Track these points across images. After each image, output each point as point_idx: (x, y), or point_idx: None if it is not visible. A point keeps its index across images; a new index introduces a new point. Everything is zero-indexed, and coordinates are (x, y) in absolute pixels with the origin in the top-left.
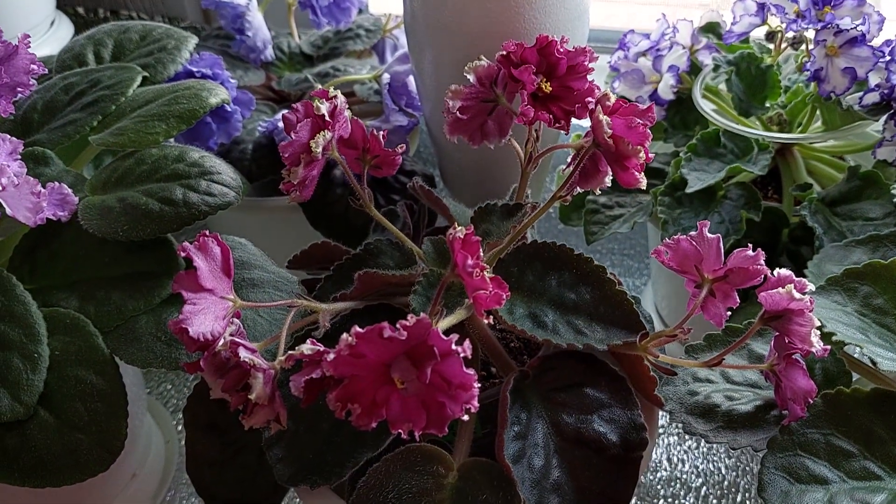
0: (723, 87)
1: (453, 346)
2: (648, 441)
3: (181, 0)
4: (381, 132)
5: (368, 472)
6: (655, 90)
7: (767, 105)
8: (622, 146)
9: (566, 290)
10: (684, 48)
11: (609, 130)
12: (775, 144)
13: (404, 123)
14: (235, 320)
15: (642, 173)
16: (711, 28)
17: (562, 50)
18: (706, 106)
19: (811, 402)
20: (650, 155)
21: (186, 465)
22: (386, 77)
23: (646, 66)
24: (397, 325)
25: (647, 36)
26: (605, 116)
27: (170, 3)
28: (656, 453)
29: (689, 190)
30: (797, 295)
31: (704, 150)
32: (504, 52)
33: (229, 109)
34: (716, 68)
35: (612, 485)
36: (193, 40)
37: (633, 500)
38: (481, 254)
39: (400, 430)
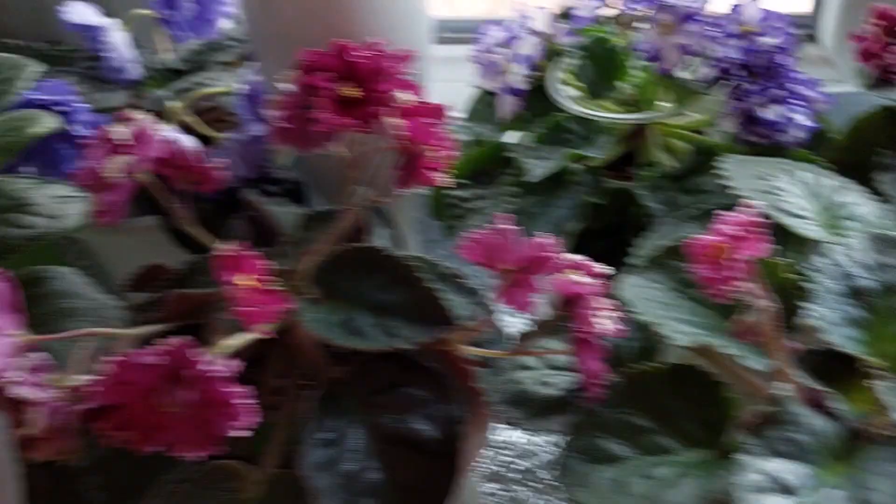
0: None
1: (217, 367)
2: (466, 433)
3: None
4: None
5: (169, 495)
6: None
7: (617, 86)
8: (415, 147)
9: (379, 292)
10: (539, 36)
11: (401, 132)
12: (630, 126)
13: (262, 133)
14: (32, 354)
15: (441, 172)
16: (567, 15)
17: (362, 53)
18: (562, 92)
19: (604, 383)
20: (453, 153)
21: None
22: (242, 87)
23: (502, 56)
24: (159, 350)
25: (504, 25)
26: (395, 119)
27: (52, 28)
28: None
29: (529, 178)
30: (585, 279)
31: (550, 137)
32: (303, 61)
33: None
34: (569, 54)
35: (430, 479)
36: (31, 68)
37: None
38: (261, 267)
39: (181, 453)
